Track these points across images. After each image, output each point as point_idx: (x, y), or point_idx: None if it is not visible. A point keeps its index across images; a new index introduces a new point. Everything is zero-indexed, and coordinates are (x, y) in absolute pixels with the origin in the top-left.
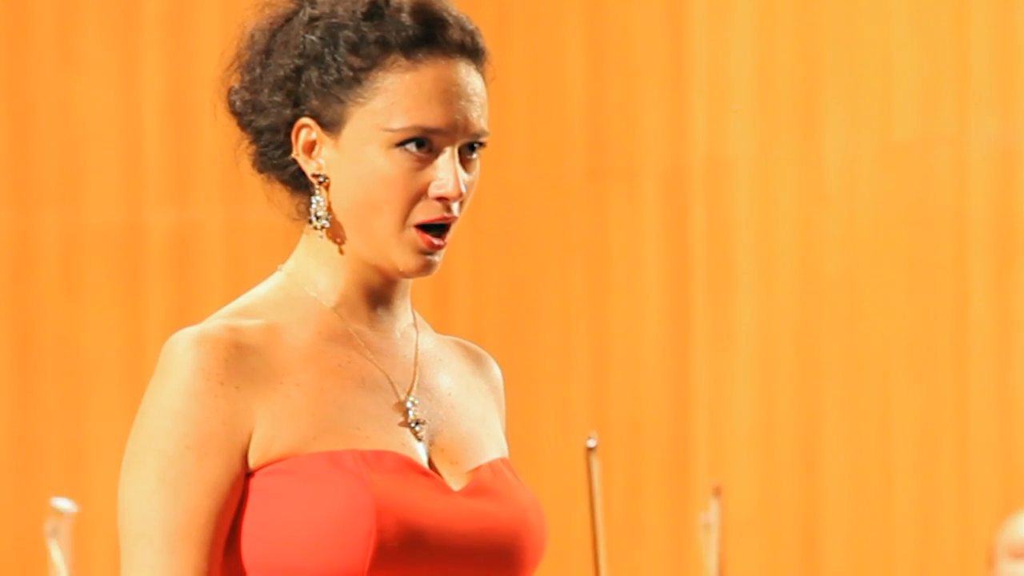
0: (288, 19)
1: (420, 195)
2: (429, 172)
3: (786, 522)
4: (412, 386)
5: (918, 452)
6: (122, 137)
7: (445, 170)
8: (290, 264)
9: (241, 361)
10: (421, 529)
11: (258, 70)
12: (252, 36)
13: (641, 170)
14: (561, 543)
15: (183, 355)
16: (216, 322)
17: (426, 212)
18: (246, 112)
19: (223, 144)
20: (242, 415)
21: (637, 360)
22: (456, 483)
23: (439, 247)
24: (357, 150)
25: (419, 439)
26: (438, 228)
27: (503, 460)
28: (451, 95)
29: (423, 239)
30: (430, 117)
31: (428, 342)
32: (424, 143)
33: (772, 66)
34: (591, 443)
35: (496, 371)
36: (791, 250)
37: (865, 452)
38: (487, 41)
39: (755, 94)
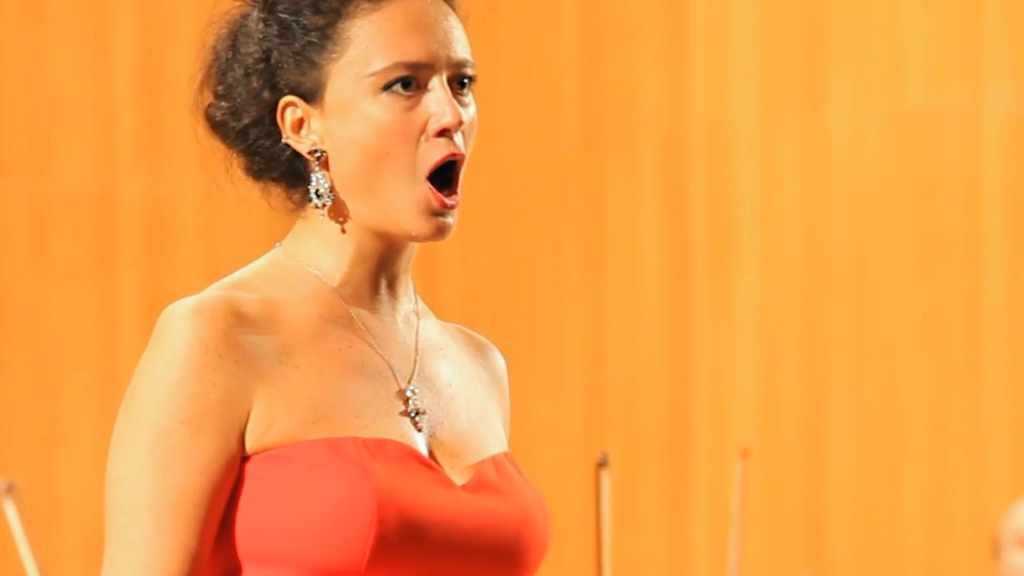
0: (245, 16)
1: (420, 135)
2: (423, 111)
3: (790, 504)
4: (412, 374)
5: (928, 432)
6: (93, 104)
7: (438, 102)
8: (289, 241)
9: (240, 335)
10: (423, 523)
11: (229, 74)
12: (215, 48)
13: (638, 139)
14: (557, 529)
15: (180, 325)
16: (214, 292)
17: (432, 152)
18: (227, 120)
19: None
20: (240, 392)
21: (634, 338)
22: (458, 477)
23: (451, 207)
24: (344, 108)
25: (419, 429)
26: (448, 182)
27: (506, 455)
28: (424, 26)
29: (435, 198)
30: (408, 51)
31: (430, 329)
32: (410, 82)
33: (775, 29)
34: (602, 459)
35: (500, 361)
36: (795, 222)
37: (872, 432)
38: (477, 8)
39: (757, 58)
